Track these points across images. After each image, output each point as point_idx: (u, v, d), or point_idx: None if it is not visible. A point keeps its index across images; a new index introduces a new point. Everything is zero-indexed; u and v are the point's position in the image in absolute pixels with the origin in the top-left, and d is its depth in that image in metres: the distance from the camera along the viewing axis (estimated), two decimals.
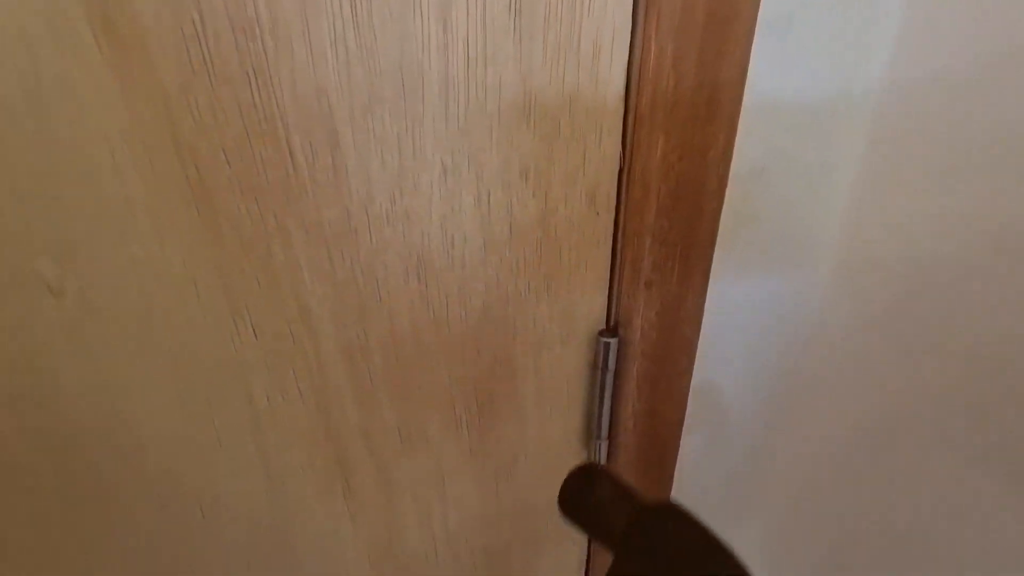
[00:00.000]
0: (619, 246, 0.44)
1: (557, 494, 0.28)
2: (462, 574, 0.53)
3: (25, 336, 0.31)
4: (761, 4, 0.36)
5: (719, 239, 0.45)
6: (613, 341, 0.46)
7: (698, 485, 0.60)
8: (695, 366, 0.50)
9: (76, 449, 0.35)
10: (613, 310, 0.46)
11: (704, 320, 0.48)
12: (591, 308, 0.45)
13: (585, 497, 0.26)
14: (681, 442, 0.54)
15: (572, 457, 0.52)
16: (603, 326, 0.47)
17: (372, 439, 0.43)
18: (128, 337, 0.33)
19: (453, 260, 0.39)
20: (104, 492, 0.37)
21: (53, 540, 0.38)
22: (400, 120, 0.33)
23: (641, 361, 0.47)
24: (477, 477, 0.49)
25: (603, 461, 0.52)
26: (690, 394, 0.52)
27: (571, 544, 0.58)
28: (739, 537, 0.55)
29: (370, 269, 0.37)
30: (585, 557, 0.60)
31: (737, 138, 0.41)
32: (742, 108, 0.39)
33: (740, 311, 0.50)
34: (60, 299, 0.31)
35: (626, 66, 0.36)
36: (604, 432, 0.50)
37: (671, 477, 0.56)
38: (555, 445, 0.51)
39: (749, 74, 0.38)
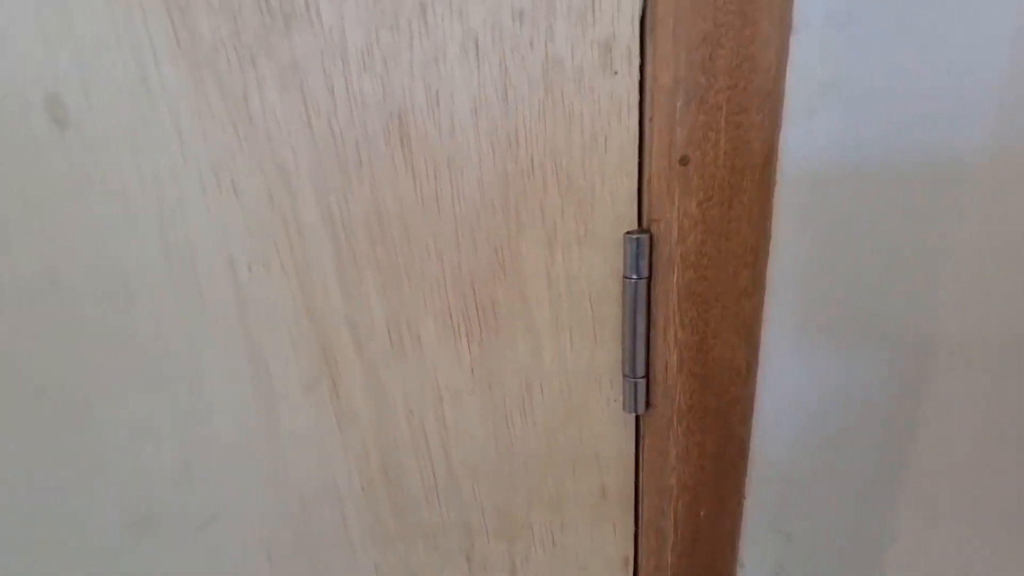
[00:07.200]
0: (646, 116, 0.36)
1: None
2: (464, 526, 0.46)
3: (29, 163, 0.34)
4: None
5: (787, 104, 0.35)
6: (642, 238, 0.37)
7: (783, 444, 0.45)
8: (769, 279, 0.39)
9: (64, 288, 0.37)
10: (644, 201, 0.38)
11: (774, 220, 0.38)
12: (614, 198, 0.37)
13: None
14: (758, 389, 0.42)
15: (602, 398, 0.43)
16: (633, 224, 0.38)
17: (358, 331, 0.39)
18: (117, 177, 0.35)
19: (439, 122, 0.35)
20: (90, 340, 0.39)
21: (34, 379, 0.41)
22: None
23: (683, 270, 0.38)
24: (482, 407, 0.42)
25: (642, 408, 0.42)
26: (765, 321, 0.40)
27: (609, 528, 0.47)
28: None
29: (348, 125, 0.35)
30: (632, 553, 0.48)
31: None
32: None
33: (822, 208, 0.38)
34: (64, 129, 0.33)
35: None
36: (639, 368, 0.41)
37: (741, 438, 0.43)
38: (580, 379, 0.42)
39: None
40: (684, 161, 0.35)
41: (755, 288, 0.39)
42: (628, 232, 0.38)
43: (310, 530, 0.45)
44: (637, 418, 0.44)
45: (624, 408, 0.42)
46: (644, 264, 0.38)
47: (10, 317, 0.38)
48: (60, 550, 0.45)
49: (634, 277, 0.38)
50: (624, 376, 0.41)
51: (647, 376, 0.41)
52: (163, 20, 0.32)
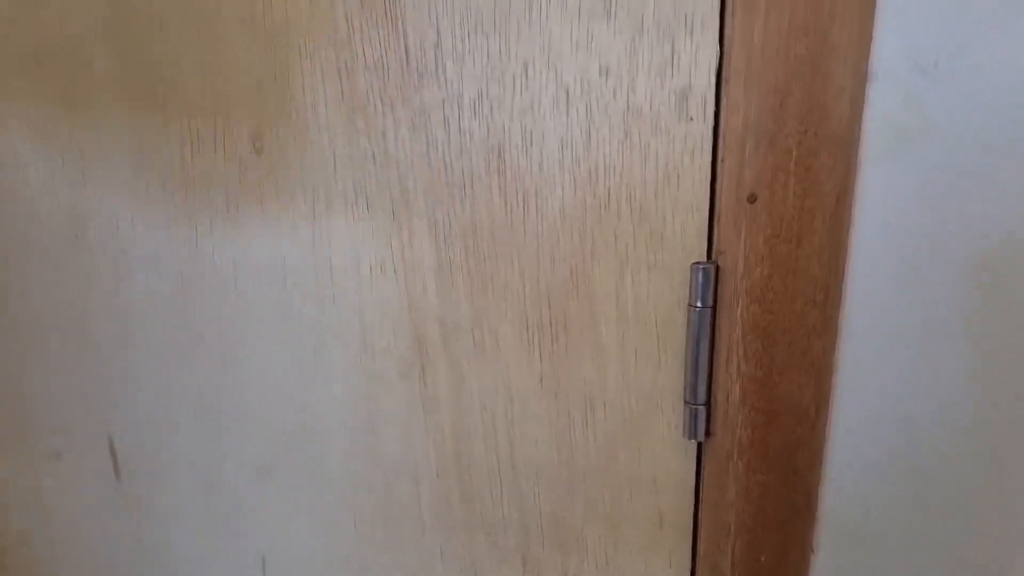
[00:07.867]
0: (719, 157, 0.39)
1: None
2: (523, 526, 0.49)
3: (232, 178, 0.47)
4: None
5: (866, 148, 0.36)
6: (708, 268, 0.39)
7: (860, 502, 0.42)
8: (845, 322, 0.38)
9: (242, 268, 0.49)
10: (714, 234, 0.40)
11: (850, 261, 0.38)
12: (684, 230, 0.40)
13: None
14: (830, 436, 0.40)
15: (663, 421, 0.44)
16: (702, 256, 0.41)
17: (447, 329, 0.46)
18: (288, 192, 0.46)
19: (531, 157, 0.41)
20: (250, 307, 0.50)
21: None
22: (491, 22, 0.39)
23: (748, 303, 0.39)
24: (548, 413, 0.46)
25: (701, 436, 0.42)
26: (840, 365, 0.39)
27: (665, 556, 0.47)
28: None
29: (458, 157, 0.42)
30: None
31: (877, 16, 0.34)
32: None
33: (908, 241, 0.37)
34: (259, 155, 0.46)
35: None
36: (700, 395, 0.42)
37: (808, 486, 0.41)
38: (641, 400, 0.44)
39: None
40: (752, 199, 0.38)
41: (826, 328, 0.39)
42: (695, 262, 0.40)
43: (389, 504, 0.51)
44: (699, 448, 0.45)
45: (684, 434, 0.43)
46: (709, 293, 0.40)
47: (198, 284, 0.50)
48: (198, 487, 0.56)
49: (699, 305, 0.40)
50: (685, 402, 0.43)
51: (708, 404, 0.42)
52: (335, 78, 0.43)
